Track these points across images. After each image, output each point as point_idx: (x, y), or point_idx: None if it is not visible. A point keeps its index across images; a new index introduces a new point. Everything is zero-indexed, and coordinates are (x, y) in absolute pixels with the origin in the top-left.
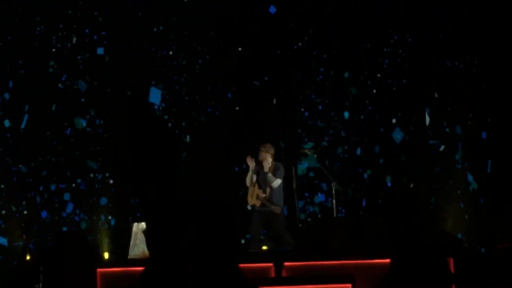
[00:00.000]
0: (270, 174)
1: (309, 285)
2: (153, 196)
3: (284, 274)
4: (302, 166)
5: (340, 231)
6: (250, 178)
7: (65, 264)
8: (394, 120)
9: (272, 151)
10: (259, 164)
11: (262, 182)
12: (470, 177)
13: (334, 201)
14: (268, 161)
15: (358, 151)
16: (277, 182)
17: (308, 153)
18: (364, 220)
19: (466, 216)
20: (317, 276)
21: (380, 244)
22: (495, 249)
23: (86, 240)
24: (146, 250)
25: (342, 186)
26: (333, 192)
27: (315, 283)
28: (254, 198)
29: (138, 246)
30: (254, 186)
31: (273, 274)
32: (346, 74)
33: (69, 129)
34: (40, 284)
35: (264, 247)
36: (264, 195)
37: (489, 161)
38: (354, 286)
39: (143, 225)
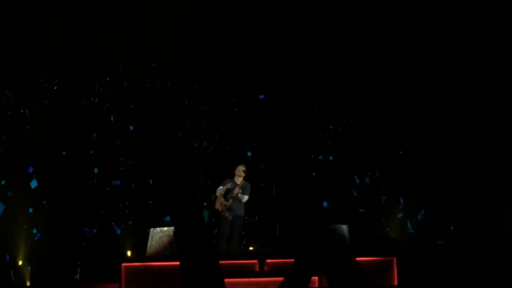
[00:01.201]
0: (240, 191)
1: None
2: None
3: (266, 269)
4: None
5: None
6: (221, 190)
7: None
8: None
9: (242, 173)
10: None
11: (229, 194)
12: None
13: None
14: (240, 180)
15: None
16: (244, 198)
17: None
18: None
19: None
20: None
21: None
22: (435, 245)
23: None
24: (159, 249)
25: None
26: None
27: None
28: (219, 204)
29: (154, 246)
30: (221, 196)
31: (257, 269)
32: None
33: None
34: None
35: (251, 248)
36: (226, 203)
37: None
38: (320, 278)
39: (157, 229)
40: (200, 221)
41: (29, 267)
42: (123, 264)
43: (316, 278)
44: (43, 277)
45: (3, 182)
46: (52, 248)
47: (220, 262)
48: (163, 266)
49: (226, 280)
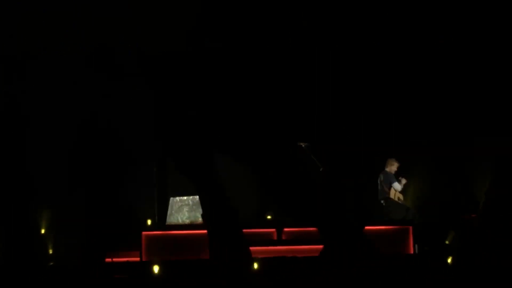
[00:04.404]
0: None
1: (302, 246)
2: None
3: (283, 237)
4: None
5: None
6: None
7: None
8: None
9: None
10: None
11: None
12: None
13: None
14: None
15: None
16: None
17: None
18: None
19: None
20: (308, 239)
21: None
22: (460, 220)
23: None
24: (179, 218)
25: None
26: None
27: (307, 244)
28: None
29: (174, 216)
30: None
31: (275, 237)
32: None
33: None
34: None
35: (269, 217)
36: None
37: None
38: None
39: (177, 198)
40: (223, 193)
41: (52, 236)
42: (143, 233)
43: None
44: (66, 247)
45: None
46: (76, 216)
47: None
48: (182, 234)
49: None
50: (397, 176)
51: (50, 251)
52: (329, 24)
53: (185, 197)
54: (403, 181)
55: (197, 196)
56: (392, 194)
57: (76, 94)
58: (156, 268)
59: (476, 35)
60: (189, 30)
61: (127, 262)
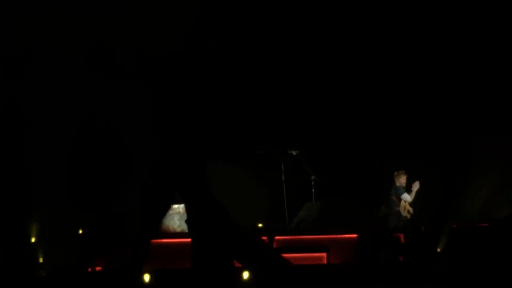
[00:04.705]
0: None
1: (294, 254)
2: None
3: (275, 245)
4: None
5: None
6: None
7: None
8: None
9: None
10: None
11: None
12: None
13: (313, 190)
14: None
15: None
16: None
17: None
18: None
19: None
20: (300, 247)
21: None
22: (451, 229)
23: None
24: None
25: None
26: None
27: (299, 252)
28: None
29: (165, 223)
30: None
31: None
32: None
33: None
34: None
35: (260, 225)
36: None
37: None
38: (328, 254)
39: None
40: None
41: (43, 244)
42: None
43: (324, 254)
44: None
45: None
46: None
47: None
48: (173, 243)
49: None
50: (408, 188)
51: (41, 260)
52: (329, 24)
53: (176, 205)
54: (416, 186)
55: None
56: (402, 207)
57: (76, 94)
58: (146, 277)
59: (476, 35)
60: (189, 30)
61: (117, 271)
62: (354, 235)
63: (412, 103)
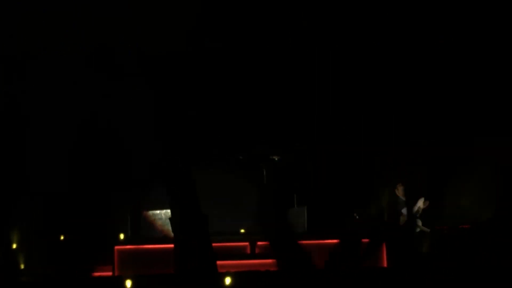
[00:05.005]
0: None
1: (276, 259)
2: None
3: (257, 250)
4: None
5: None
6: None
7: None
8: None
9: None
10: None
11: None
12: None
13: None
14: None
15: None
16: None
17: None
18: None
19: None
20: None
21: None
22: (433, 230)
23: None
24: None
25: None
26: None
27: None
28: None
29: (147, 229)
30: None
31: (248, 251)
32: None
33: None
34: None
35: (242, 230)
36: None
37: None
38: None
39: (150, 212)
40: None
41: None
42: (116, 247)
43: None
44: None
45: None
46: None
47: (213, 244)
48: (155, 248)
49: (218, 262)
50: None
51: (22, 266)
52: (329, 24)
53: (157, 211)
54: (421, 203)
55: (169, 210)
56: (402, 221)
57: (76, 94)
58: (128, 283)
59: (476, 35)
60: (189, 30)
61: (100, 277)
62: (335, 241)
63: (412, 104)
